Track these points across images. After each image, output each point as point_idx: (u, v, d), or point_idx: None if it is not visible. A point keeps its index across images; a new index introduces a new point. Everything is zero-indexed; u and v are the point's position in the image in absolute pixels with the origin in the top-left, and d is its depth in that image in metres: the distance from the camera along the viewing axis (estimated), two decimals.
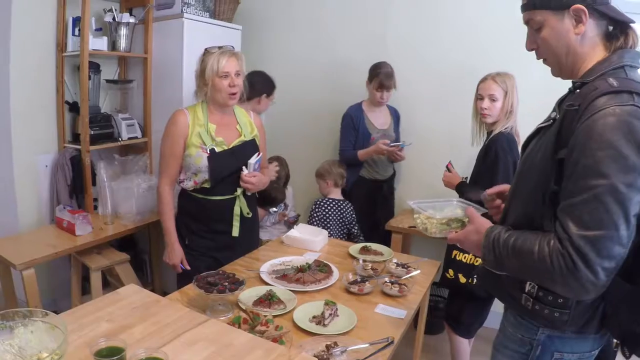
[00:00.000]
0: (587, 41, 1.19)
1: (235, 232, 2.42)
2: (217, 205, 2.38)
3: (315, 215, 3.28)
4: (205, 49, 2.33)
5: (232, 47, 2.37)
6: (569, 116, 1.14)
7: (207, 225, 2.40)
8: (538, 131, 1.33)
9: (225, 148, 2.35)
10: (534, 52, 1.31)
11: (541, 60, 1.31)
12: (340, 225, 3.36)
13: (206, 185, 2.35)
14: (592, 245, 1.03)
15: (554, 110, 1.30)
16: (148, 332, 1.29)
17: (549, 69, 1.32)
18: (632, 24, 1.19)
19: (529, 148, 1.33)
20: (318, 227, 3.09)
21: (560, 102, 1.30)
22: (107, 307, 1.42)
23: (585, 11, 1.15)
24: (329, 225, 3.30)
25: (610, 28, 1.20)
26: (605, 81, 1.11)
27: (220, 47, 2.30)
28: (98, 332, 1.27)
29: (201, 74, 2.30)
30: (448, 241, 1.42)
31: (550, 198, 1.17)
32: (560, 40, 1.20)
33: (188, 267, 2.38)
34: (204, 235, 2.41)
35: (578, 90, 1.18)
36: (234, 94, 2.31)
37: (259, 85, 2.95)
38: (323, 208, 3.29)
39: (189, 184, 2.37)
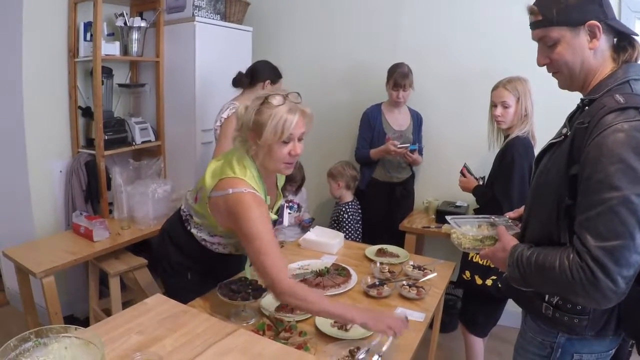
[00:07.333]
0: (599, 55, 1.24)
1: (248, 274, 2.01)
2: (227, 259, 2.06)
3: (344, 219, 3.34)
4: (266, 99, 1.72)
5: (298, 94, 1.79)
6: (579, 134, 1.18)
7: (213, 271, 2.01)
8: (550, 146, 1.36)
9: (274, 218, 2.01)
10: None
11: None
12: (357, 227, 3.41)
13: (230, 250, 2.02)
14: (610, 255, 1.07)
15: (564, 125, 1.35)
16: (179, 343, 1.31)
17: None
18: (635, 36, 1.24)
19: (542, 164, 1.37)
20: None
21: (570, 118, 1.34)
22: (136, 319, 1.44)
23: (600, 26, 1.20)
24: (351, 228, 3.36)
25: (615, 40, 1.24)
26: (612, 98, 1.15)
27: (285, 97, 1.73)
28: (129, 344, 1.29)
29: (254, 127, 1.72)
30: (480, 257, 1.48)
31: (565, 212, 1.21)
32: (576, 56, 1.24)
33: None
34: (209, 275, 2.00)
35: (587, 108, 1.22)
36: (291, 163, 1.81)
37: (263, 71, 2.85)
38: (349, 213, 3.36)
39: (206, 238, 1.96)
